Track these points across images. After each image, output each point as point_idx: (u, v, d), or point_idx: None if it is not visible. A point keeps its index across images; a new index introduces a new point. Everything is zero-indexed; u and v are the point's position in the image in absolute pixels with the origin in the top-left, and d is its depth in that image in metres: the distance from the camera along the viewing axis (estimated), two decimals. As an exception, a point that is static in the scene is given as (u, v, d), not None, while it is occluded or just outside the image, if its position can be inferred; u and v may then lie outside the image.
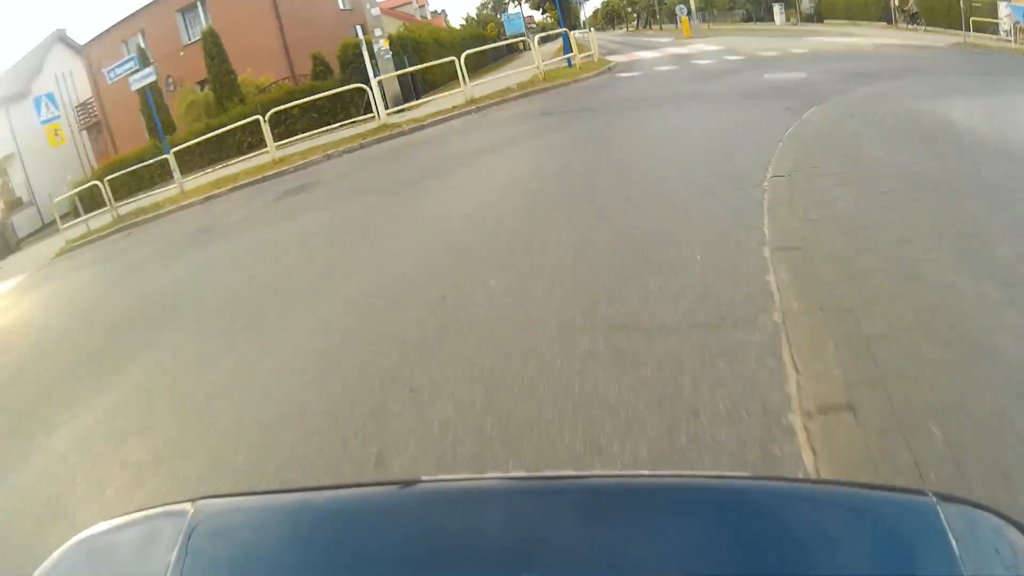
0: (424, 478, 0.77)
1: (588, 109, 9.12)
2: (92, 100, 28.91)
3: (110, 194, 12.83)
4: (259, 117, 11.68)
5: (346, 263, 4.75)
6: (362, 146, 10.61)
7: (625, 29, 59.44)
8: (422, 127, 11.00)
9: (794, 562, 0.64)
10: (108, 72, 13.63)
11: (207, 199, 10.77)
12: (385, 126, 11.53)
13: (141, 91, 18.05)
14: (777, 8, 37.54)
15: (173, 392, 3.39)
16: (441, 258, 4.22)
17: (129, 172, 14.68)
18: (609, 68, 14.65)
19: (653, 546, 0.66)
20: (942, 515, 0.67)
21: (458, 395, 2.46)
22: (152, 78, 12.59)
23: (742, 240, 3.34)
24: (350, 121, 13.09)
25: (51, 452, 3.11)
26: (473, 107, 11.71)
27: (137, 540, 0.68)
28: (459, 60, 12.25)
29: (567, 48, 16.06)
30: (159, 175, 15.71)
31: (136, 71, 12.59)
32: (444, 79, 17.43)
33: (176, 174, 12.21)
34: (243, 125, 13.40)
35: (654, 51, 20.55)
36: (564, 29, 16.31)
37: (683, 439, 1.92)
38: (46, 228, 25.51)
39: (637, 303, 2.88)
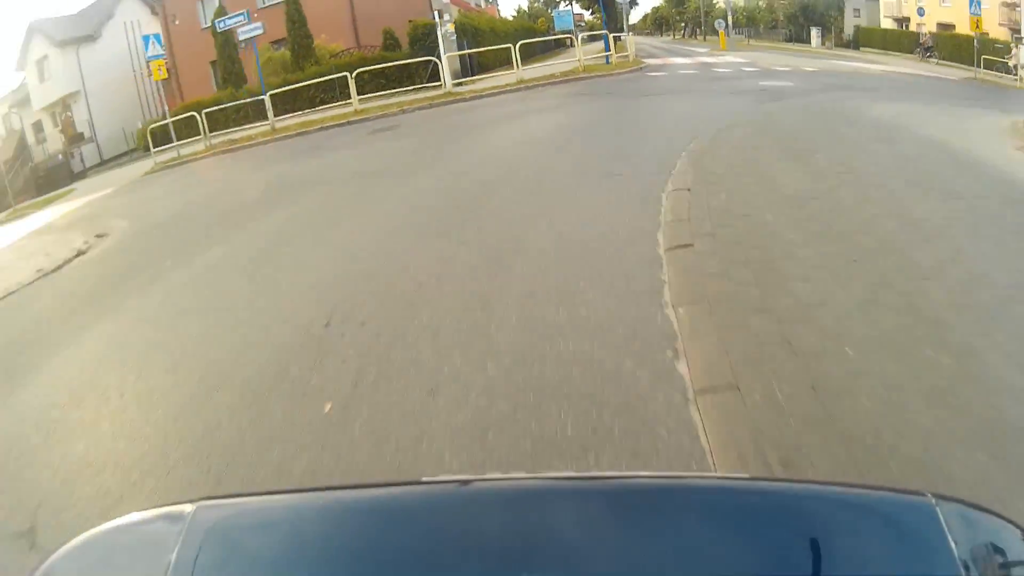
0: (424, 478, 0.76)
1: (611, 94, 12.05)
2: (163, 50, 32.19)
3: (205, 125, 15.88)
4: (346, 74, 14.74)
5: (425, 164, 7.65)
6: (431, 105, 13.60)
7: (671, 36, 62.06)
8: (480, 96, 13.97)
9: (794, 562, 0.65)
10: (219, 23, 16.73)
11: (299, 134, 13.79)
12: (450, 93, 14.55)
13: (223, 44, 21.26)
14: (815, 32, 40.23)
15: (325, 213, 6.32)
16: (497, 161, 7.16)
17: (214, 111, 17.52)
18: (640, 68, 17.54)
19: (653, 546, 0.66)
20: (940, 515, 0.68)
21: (507, 190, 5.41)
22: (260, 31, 15.69)
23: (674, 151, 6.22)
24: (416, 87, 16.10)
25: (249, 237, 6.07)
26: (522, 86, 14.66)
27: (138, 541, 0.68)
28: (514, 47, 15.24)
29: (606, 47, 18.97)
30: (233, 119, 18.64)
31: (245, 24, 15.66)
32: (496, 63, 20.38)
33: (269, 113, 15.26)
34: (319, 83, 16.51)
35: (687, 58, 23.36)
36: (604, 31, 19.24)
37: (613, 198, 4.82)
38: (105, 163, 28.71)
39: (612, 167, 5.80)
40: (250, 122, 16.99)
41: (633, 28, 79.69)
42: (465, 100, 13.80)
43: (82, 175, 27.62)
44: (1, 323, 5.38)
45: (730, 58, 23.22)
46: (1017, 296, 2.99)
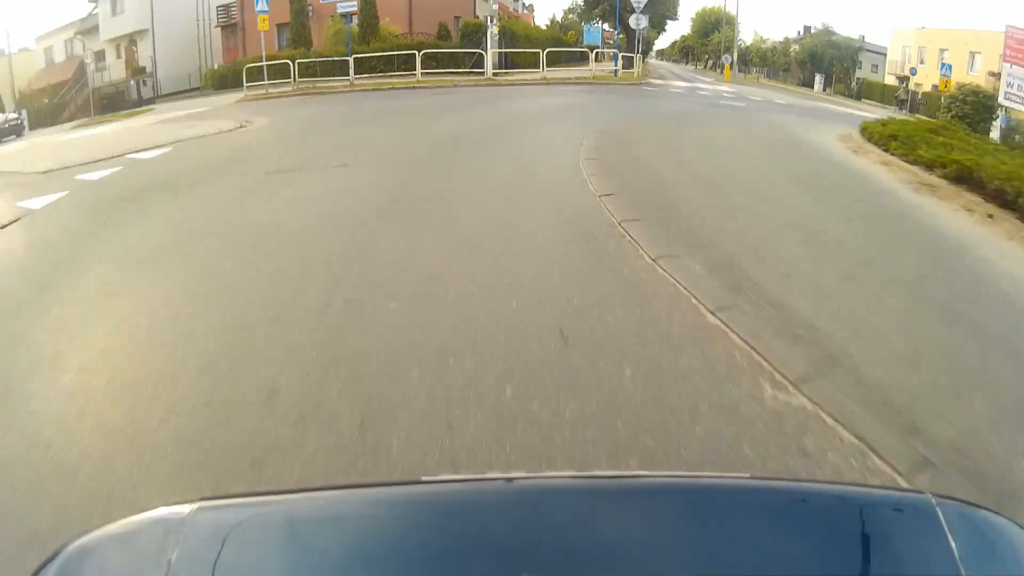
0: (424, 478, 0.79)
1: (606, 94, 17.75)
2: (234, 5, 37.79)
3: (296, 71, 21.42)
4: (414, 52, 20.40)
5: (472, 110, 13.22)
6: (476, 85, 19.29)
7: (694, 66, 67.97)
8: (512, 84, 19.68)
9: (794, 562, 0.67)
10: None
11: (374, 90, 19.36)
12: (489, 79, 20.25)
13: (297, 12, 26.87)
14: (818, 78, 46.32)
15: (396, 130, 11.89)
16: (520, 112, 12.80)
17: (303, 63, 23.03)
18: (640, 83, 23.25)
19: (653, 546, 0.68)
20: (941, 515, 0.71)
21: (523, 122, 11.05)
22: (354, 7, 21.28)
23: (621, 117, 11.81)
24: (463, 71, 21.77)
25: (351, 134, 11.65)
26: (543, 82, 20.35)
27: (136, 542, 0.70)
28: (542, 53, 20.95)
29: (616, 63, 24.72)
30: (307, 72, 24.02)
31: (347, 4, 21.31)
32: (526, 63, 26.05)
33: (351, 71, 20.86)
34: (388, 55, 22.15)
35: (686, 82, 29.13)
36: (615, 50, 25.06)
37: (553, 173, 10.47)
38: (164, 96, 34.07)
39: (587, 119, 11.39)
40: (323, 76, 22.52)
41: (662, 53, 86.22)
42: (500, 85, 19.47)
43: (150, 101, 33.02)
44: (228, 144, 10.69)
45: (723, 88, 28.94)
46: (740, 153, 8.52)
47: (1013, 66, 23.78)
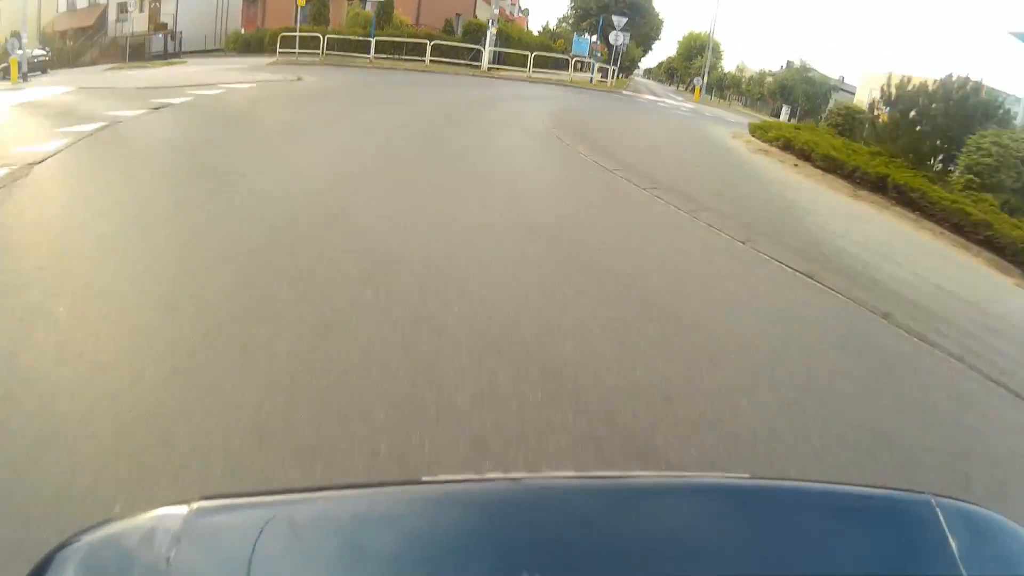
0: (424, 478, 0.80)
1: (579, 93, 22.90)
2: None
3: (325, 42, 26.19)
4: (426, 41, 25.38)
5: (468, 90, 18.36)
6: (473, 75, 24.34)
7: (675, 87, 73.67)
8: (503, 78, 24.79)
9: (794, 562, 0.68)
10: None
11: (391, 68, 24.27)
12: (485, 72, 25.31)
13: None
14: (785, 109, 52.30)
15: (424, 92, 16.89)
16: (506, 95, 17.98)
17: (333, 38, 27.83)
18: (611, 91, 28.46)
19: (653, 546, 0.69)
20: (941, 515, 0.73)
21: (507, 101, 16.18)
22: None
23: (579, 106, 16.94)
24: (463, 63, 26.79)
25: (378, 95, 16.67)
26: (529, 79, 25.47)
27: (134, 542, 0.71)
28: (530, 56, 26.08)
29: (592, 72, 29.97)
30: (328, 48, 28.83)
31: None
32: (515, 63, 31.14)
33: (372, 49, 25.71)
34: (400, 41, 27.03)
35: (656, 96, 34.55)
36: (592, 61, 30.37)
37: (523, 124, 15.58)
38: (182, 54, 38.33)
39: (555, 104, 16.53)
40: (343, 52, 27.26)
41: (649, 72, 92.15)
42: (493, 77, 24.58)
43: (175, 55, 37.08)
44: (296, 89, 15.47)
45: (686, 104, 34.33)
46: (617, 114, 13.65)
47: None
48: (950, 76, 13.25)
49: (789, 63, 65.86)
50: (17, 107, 11.12)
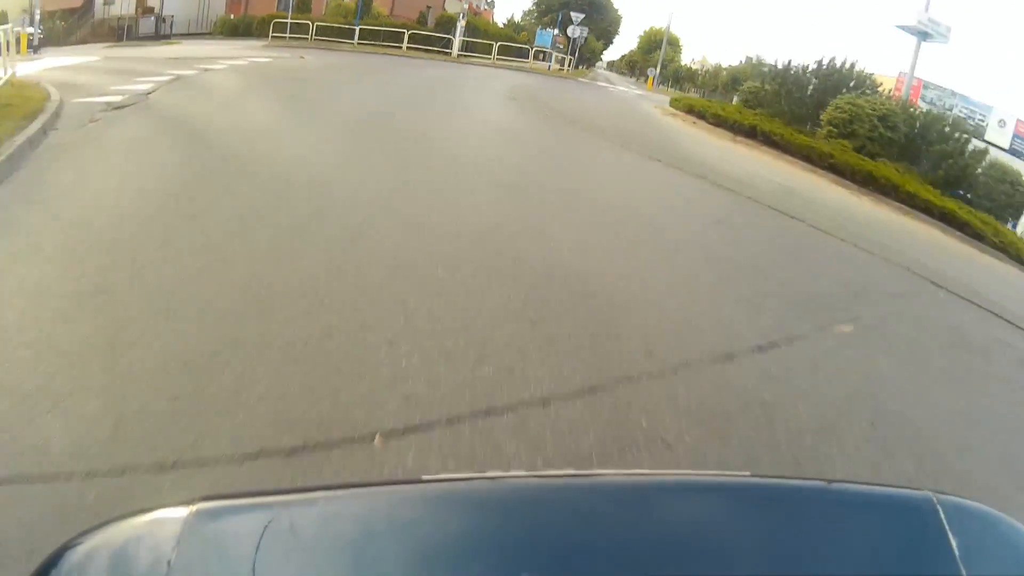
0: (424, 477, 0.80)
1: (536, 77, 27.36)
2: None
3: (313, 28, 30.22)
4: (403, 30, 29.58)
5: (440, 70, 22.73)
6: (446, 61, 28.65)
7: (634, 78, 78.50)
8: (471, 64, 29.20)
9: (794, 561, 0.69)
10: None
11: (372, 52, 28.40)
12: (455, 58, 29.68)
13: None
14: (736, 97, 57.35)
15: (407, 71, 21.23)
16: (473, 76, 22.39)
17: (322, 25, 31.85)
18: (566, 78, 32.91)
19: (653, 546, 0.70)
20: (942, 514, 0.73)
21: (474, 80, 20.60)
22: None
23: (534, 84, 21.40)
24: (436, 51, 31.05)
25: (367, 72, 21.03)
26: (493, 65, 29.87)
27: (136, 542, 0.72)
28: (495, 46, 30.47)
29: (551, 61, 34.43)
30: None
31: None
32: (482, 51, 35.45)
33: (356, 36, 29.81)
34: (380, 30, 31.13)
35: (610, 84, 39.08)
36: (550, 51, 34.86)
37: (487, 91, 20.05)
38: (170, 36, 41.79)
39: (512, 81, 20.95)
40: (328, 38, 31.26)
41: (611, 64, 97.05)
42: (462, 63, 28.98)
43: (166, 38, 40.46)
44: (304, 64, 19.63)
45: (637, 91, 38.92)
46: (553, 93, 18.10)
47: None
48: (824, 59, 18.52)
49: (748, 58, 71.42)
50: (64, 69, 13.75)
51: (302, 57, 21.42)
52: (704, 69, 72.14)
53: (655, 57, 76.87)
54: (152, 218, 4.65)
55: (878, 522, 0.76)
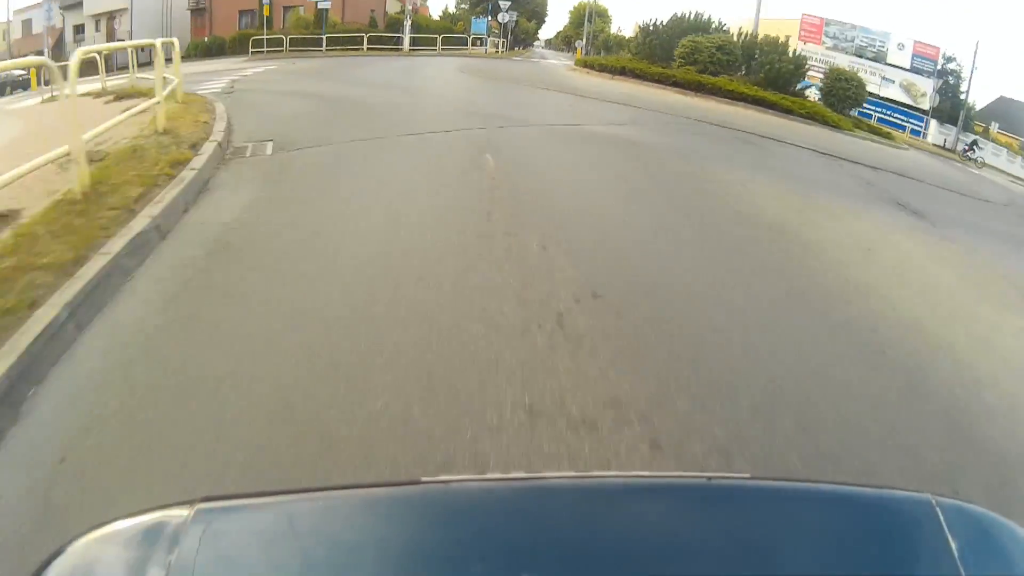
0: (424, 479, 0.81)
1: (474, 59, 35.01)
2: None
3: (288, 41, 37.51)
4: (362, 34, 37.05)
5: (397, 63, 30.26)
6: (400, 55, 36.28)
7: (571, 53, 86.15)
8: (421, 56, 36.83)
9: (794, 562, 0.70)
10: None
11: (340, 55, 35.75)
12: (407, 52, 37.31)
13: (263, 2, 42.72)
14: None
15: (378, 66, 28.78)
16: (424, 66, 29.98)
17: (296, 38, 39.15)
18: (502, 58, 40.50)
19: (653, 546, 0.72)
20: (941, 516, 0.75)
21: (427, 69, 28.34)
22: (328, 5, 37.65)
23: (474, 65, 29.10)
24: (389, 48, 38.55)
25: (338, 77, 28.63)
26: (439, 55, 37.52)
27: (136, 542, 0.73)
28: (439, 38, 38.15)
29: (486, 45, 42.13)
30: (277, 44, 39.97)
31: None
32: (427, 44, 42.90)
33: (324, 43, 37.18)
34: (341, 36, 38.43)
35: (545, 59, 46.78)
36: (486, 36, 42.61)
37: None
38: (150, 64, 48.50)
39: (459, 65, 28.61)
40: (297, 48, 38.41)
41: (549, 43, 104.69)
42: (414, 56, 36.51)
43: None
44: (300, 67, 26.95)
45: (564, 62, 46.54)
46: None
47: (807, 44, 41.60)
48: (678, 12, 26.89)
49: (674, 15, 79.60)
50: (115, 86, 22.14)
51: (294, 63, 28.61)
52: (630, 38, 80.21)
53: (588, 30, 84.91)
54: (313, 114, 12.22)
55: (878, 524, 0.78)
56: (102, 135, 6.68)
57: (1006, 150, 40.59)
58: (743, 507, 0.81)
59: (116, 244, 4.43)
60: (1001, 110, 46.43)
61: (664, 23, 27.35)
